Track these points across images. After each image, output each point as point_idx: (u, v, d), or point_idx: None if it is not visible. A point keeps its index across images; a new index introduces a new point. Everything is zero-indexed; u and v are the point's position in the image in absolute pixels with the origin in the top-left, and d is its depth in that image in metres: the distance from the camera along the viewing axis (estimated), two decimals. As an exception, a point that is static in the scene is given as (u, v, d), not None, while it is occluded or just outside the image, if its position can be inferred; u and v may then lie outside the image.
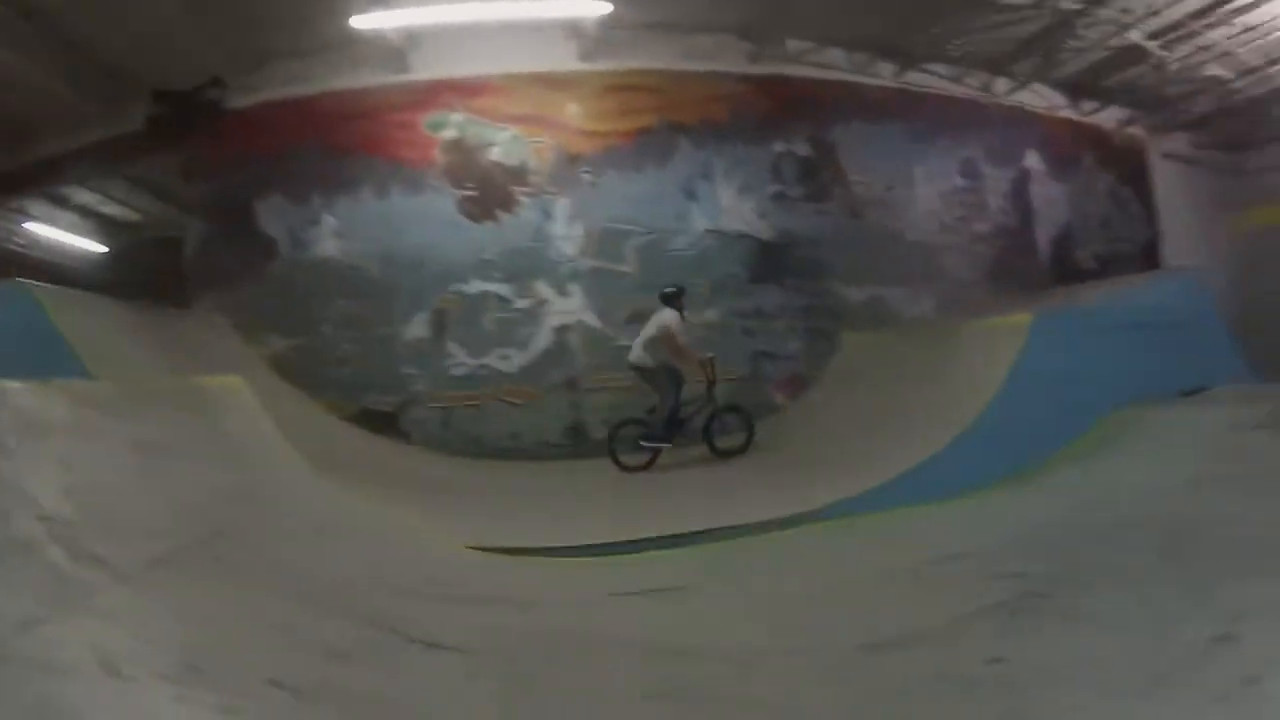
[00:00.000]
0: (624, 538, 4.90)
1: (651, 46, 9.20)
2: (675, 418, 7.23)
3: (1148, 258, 14.03)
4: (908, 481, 5.90)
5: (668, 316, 7.23)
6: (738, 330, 9.13)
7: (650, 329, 7.27)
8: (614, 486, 7.14)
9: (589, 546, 4.82)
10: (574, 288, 8.66)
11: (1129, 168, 14.09)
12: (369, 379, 8.44)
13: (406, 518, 5.27)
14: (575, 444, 8.55)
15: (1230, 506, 4.49)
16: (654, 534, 4.92)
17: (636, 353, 7.27)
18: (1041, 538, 4.69)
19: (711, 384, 7.41)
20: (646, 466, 7.16)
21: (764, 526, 5.15)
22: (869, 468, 6.19)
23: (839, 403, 8.70)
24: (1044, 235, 12.25)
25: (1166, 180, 14.61)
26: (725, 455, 7.42)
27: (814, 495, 5.68)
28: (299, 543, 4.02)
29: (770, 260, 9.41)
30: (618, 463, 7.20)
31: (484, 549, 4.77)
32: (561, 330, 8.60)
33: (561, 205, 8.73)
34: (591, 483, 7.31)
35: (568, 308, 8.58)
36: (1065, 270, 12.28)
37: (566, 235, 8.68)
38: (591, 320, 8.60)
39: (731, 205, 9.27)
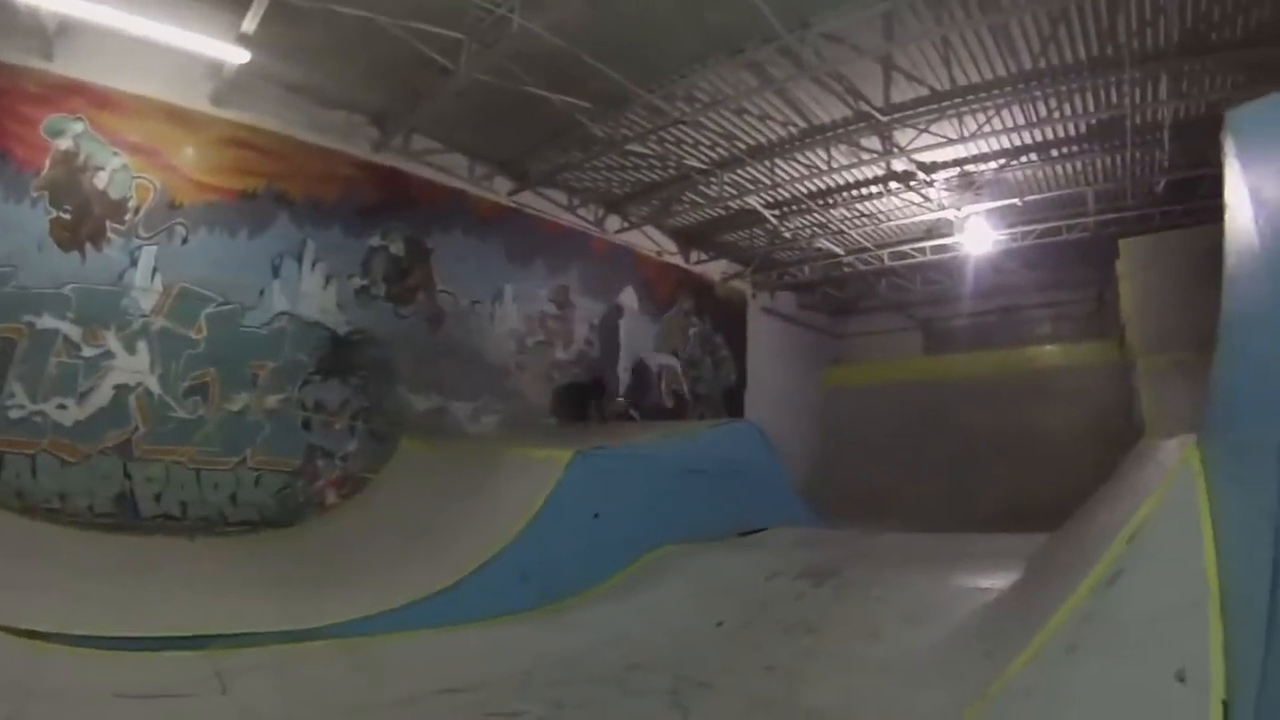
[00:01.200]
0: (142, 631, 5.98)
1: (283, 109, 11.33)
2: None
3: (730, 402, 19.26)
4: (431, 603, 7.36)
5: None
6: (297, 421, 11.15)
7: None
8: (147, 572, 8.08)
9: (102, 638, 5.81)
10: (142, 346, 9.91)
11: (726, 317, 19.22)
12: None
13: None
14: (123, 514, 9.64)
15: (744, 658, 6.45)
16: (164, 633, 6.04)
17: None
18: (549, 674, 6.24)
19: None
20: None
21: (284, 636, 6.41)
22: (402, 582, 7.60)
23: (385, 511, 10.60)
24: (625, 370, 16.45)
25: (764, 333, 20.31)
26: None
27: (336, 606, 7.00)
28: None
29: (341, 354, 11.64)
30: None
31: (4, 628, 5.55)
32: (122, 389, 9.76)
33: (148, 254, 10.04)
34: (128, 562, 8.35)
35: (133, 366, 9.83)
36: (642, 406, 16.65)
37: (146, 288, 9.96)
38: (154, 385, 9.96)
39: (313, 291, 11.45)
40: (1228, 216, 3.74)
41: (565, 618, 7.86)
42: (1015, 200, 14.86)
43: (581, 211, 15.56)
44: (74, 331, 9.63)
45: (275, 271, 11.24)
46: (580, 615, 7.97)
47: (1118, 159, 13.42)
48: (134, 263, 10.03)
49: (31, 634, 5.66)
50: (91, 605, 6.49)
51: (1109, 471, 6.67)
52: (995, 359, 19.71)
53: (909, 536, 10.28)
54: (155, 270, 10.19)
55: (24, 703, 4.63)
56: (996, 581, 6.69)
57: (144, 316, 10.05)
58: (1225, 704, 3.07)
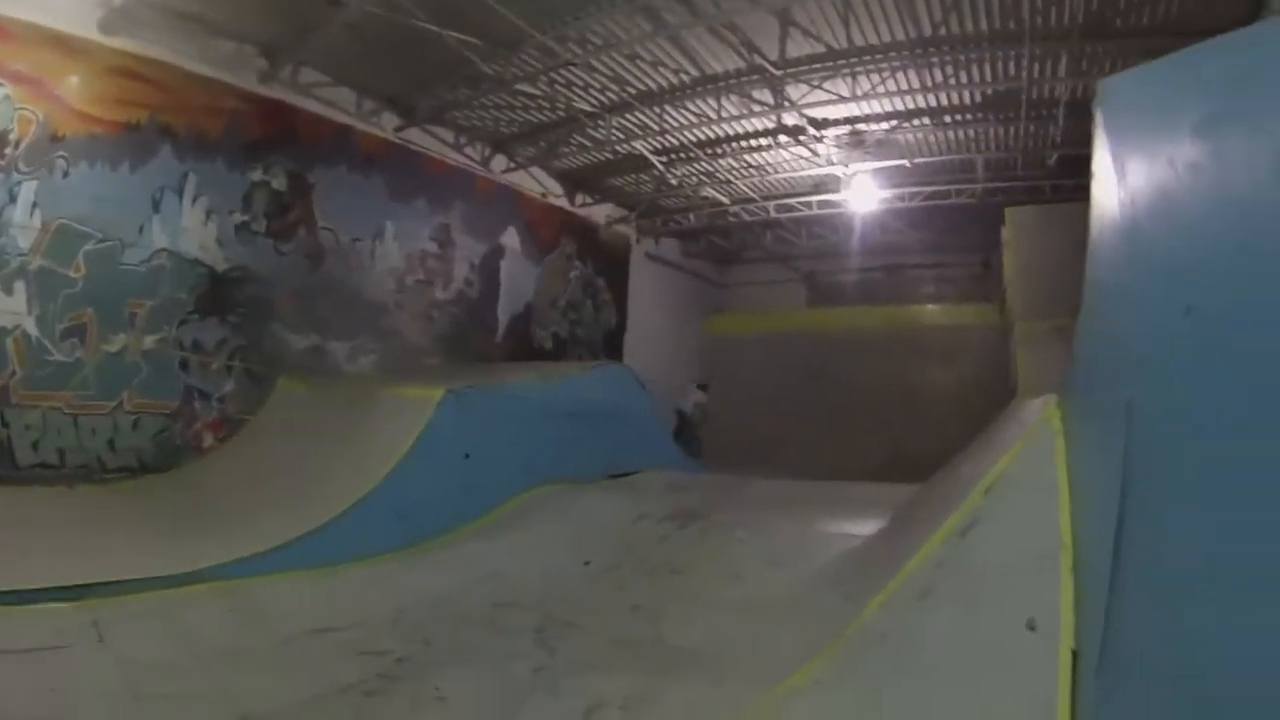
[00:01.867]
0: (16, 584, 6.09)
1: (173, 38, 11.35)
2: None
3: (610, 346, 20.31)
4: (306, 544, 7.66)
5: None
6: (174, 362, 11.49)
7: None
8: (23, 525, 8.26)
9: None
10: (19, 286, 10.02)
11: (609, 261, 20.13)
12: None
13: None
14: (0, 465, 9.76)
15: (610, 597, 6.98)
16: (40, 585, 6.17)
17: None
18: (418, 614, 6.73)
19: None
20: None
21: (161, 582, 6.67)
22: (271, 526, 7.86)
23: (262, 452, 10.98)
24: (505, 310, 17.36)
25: (647, 279, 21.33)
26: None
27: (212, 550, 7.25)
28: None
29: (219, 292, 11.96)
30: None
31: None
32: None
33: (28, 189, 10.09)
34: (5, 515, 8.51)
35: (10, 308, 9.95)
36: (520, 347, 17.51)
37: (25, 225, 10.05)
38: (31, 327, 10.08)
39: (193, 227, 11.72)
40: (1094, 186, 3.95)
41: (437, 556, 8.38)
42: (904, 162, 15.99)
43: (468, 150, 16.19)
44: (-53, 277, 9.44)
45: (156, 207, 11.48)
46: (452, 554, 8.48)
47: (1011, 130, 14.54)
48: (13, 199, 10.08)
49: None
50: None
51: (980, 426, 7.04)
52: (879, 315, 21.05)
53: (782, 483, 11.05)
54: (35, 206, 10.28)
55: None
56: (862, 528, 7.22)
57: (22, 255, 10.15)
58: (1074, 653, 3.37)
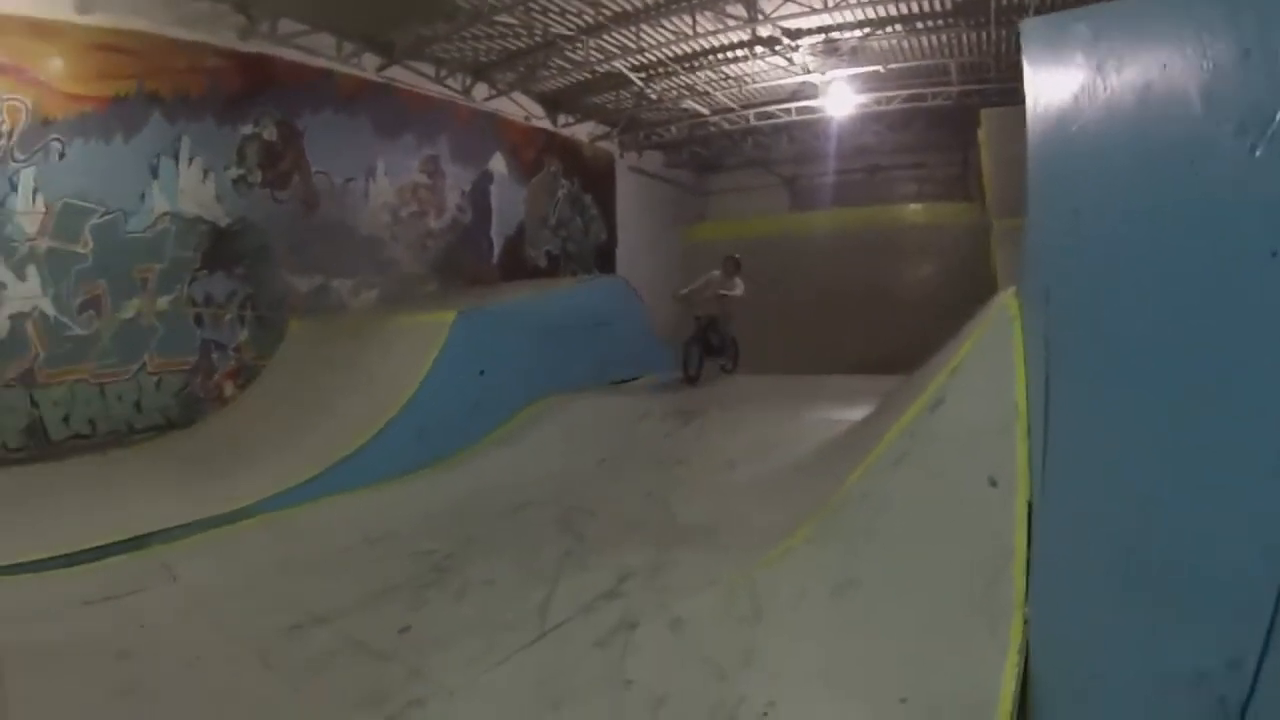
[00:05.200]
0: (81, 547, 6.53)
1: (149, 6, 11.22)
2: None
3: (602, 260, 20.38)
4: (340, 470, 8.21)
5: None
6: (188, 319, 11.67)
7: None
8: (72, 493, 8.61)
9: (54, 558, 6.41)
10: (31, 270, 10.15)
11: (595, 177, 20.11)
12: None
13: None
14: (36, 445, 10.09)
15: (622, 488, 7.62)
16: (114, 539, 6.70)
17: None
18: (452, 518, 7.32)
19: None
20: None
21: (214, 522, 7.20)
22: (304, 458, 8.35)
23: (284, 393, 11.21)
24: (498, 233, 17.42)
25: (632, 192, 21.30)
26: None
27: (255, 488, 7.79)
28: None
29: (224, 246, 12.07)
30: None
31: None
32: (18, 318, 10.04)
33: (27, 175, 10.13)
34: (50, 488, 8.79)
35: (25, 293, 10.09)
36: (515, 267, 17.60)
37: (29, 211, 10.12)
38: (48, 307, 10.26)
39: (192, 187, 11.75)
40: (1026, 107, 4.33)
41: (459, 469, 8.95)
42: (879, 68, 15.85)
43: (449, 82, 16.01)
44: (-44, 269, 9.57)
45: (154, 172, 11.54)
46: (473, 465, 9.05)
47: (981, 35, 14.45)
48: (14, 187, 10.16)
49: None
50: (28, 533, 7.05)
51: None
52: (860, 215, 20.81)
53: (770, 379, 11.74)
54: (36, 191, 10.35)
55: (5, 629, 5.20)
56: (847, 414, 7.75)
57: (30, 240, 10.27)
58: (1030, 504, 3.92)
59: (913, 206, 20.71)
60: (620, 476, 8.15)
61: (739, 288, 11.50)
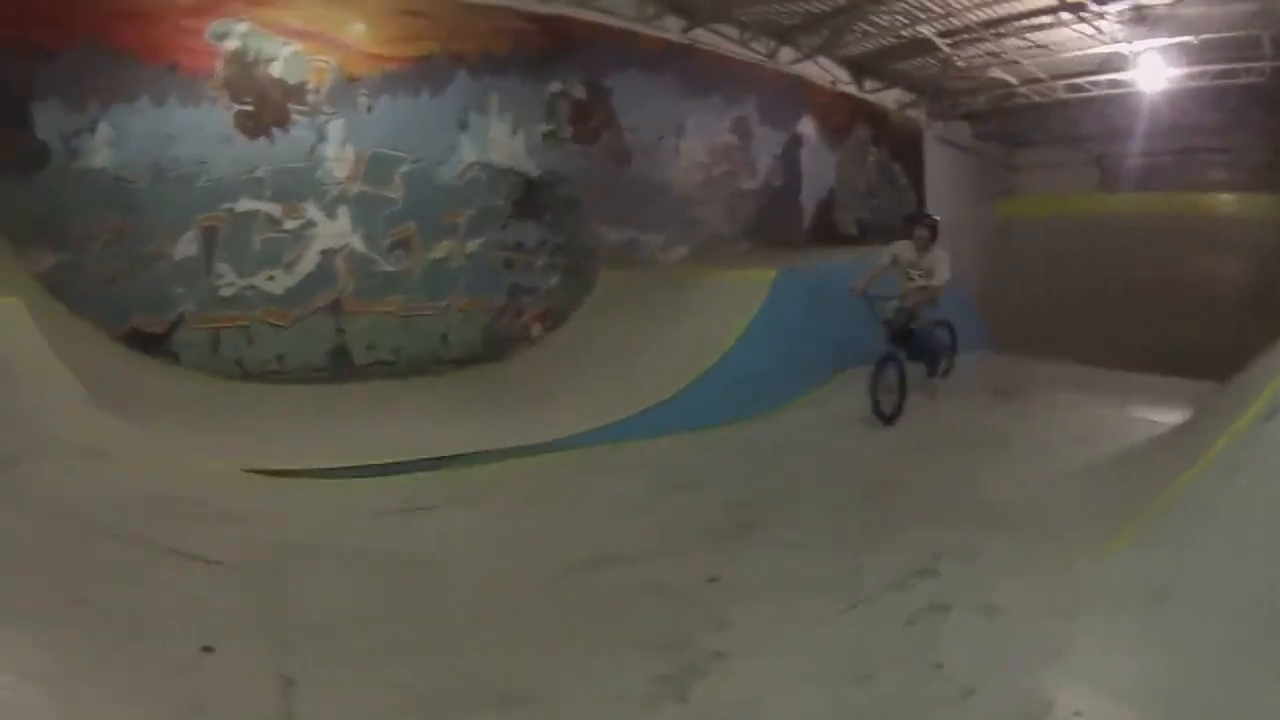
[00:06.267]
0: (384, 460, 6.29)
1: None
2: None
3: None
4: (651, 416, 7.52)
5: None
6: (498, 262, 11.07)
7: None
8: (373, 412, 8.41)
9: (354, 468, 6.17)
10: (342, 211, 9.93)
11: (902, 145, 17.76)
12: (138, 298, 9.08)
13: (180, 441, 6.30)
14: (338, 368, 9.93)
15: (933, 464, 6.71)
16: (412, 457, 6.38)
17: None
18: (758, 475, 6.58)
19: None
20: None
21: (511, 453, 6.68)
22: (613, 401, 7.76)
23: (593, 337, 10.53)
24: (808, 198, 15.51)
25: (939, 162, 18.47)
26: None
27: (558, 425, 7.24)
28: (77, 472, 5.12)
29: (534, 196, 11.33)
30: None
31: (257, 471, 6.00)
32: (328, 254, 9.87)
33: (335, 127, 9.87)
34: (353, 406, 8.63)
35: (335, 231, 9.90)
36: (825, 233, 15.65)
37: (338, 158, 9.88)
38: (358, 245, 10.03)
39: (501, 139, 11.07)
40: None
41: (765, 428, 7.96)
42: (1190, 38, 12.78)
43: (754, 45, 14.17)
44: (274, 209, 9.72)
45: (462, 126, 10.91)
46: (780, 424, 8.07)
47: None
48: (323, 137, 9.92)
49: (285, 473, 6.08)
50: (334, 444, 6.90)
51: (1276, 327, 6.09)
52: (1166, 201, 17.26)
53: (1078, 368, 10.33)
54: (346, 140, 10.04)
55: (294, 528, 5.12)
56: (1166, 417, 6.82)
57: (340, 184, 10.02)
58: None
59: (1225, 196, 16.86)
60: (930, 453, 7.18)
61: (945, 264, 8.21)
